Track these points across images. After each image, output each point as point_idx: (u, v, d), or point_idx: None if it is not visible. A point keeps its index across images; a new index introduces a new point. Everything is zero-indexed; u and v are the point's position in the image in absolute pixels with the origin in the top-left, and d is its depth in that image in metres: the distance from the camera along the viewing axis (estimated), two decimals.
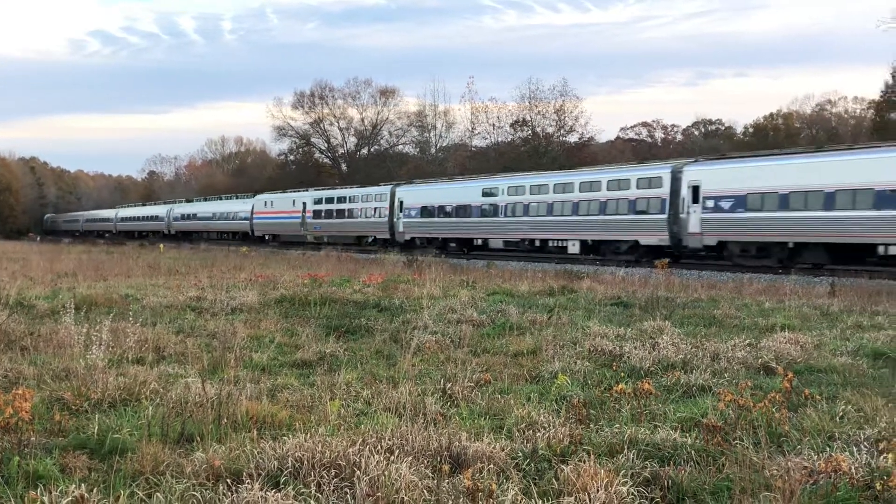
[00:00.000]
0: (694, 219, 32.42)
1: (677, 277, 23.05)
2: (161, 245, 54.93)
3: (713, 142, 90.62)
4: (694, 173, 33.27)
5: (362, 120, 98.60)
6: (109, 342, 9.50)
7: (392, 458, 5.62)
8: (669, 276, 23.06)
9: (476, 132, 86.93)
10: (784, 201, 29.39)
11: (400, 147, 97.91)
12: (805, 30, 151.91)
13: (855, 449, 5.97)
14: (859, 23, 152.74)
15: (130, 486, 5.35)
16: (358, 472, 5.38)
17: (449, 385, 8.31)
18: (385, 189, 53.78)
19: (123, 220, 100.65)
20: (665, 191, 34.02)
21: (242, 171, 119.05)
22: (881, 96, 64.42)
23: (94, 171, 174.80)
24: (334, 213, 58.04)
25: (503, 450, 6.08)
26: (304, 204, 61.35)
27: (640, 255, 34.92)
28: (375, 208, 53.81)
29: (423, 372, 9.38)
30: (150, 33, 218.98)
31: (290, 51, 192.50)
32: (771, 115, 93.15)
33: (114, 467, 5.78)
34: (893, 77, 60.25)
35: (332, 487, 5.29)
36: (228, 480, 5.37)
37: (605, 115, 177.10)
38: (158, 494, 5.21)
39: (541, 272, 25.44)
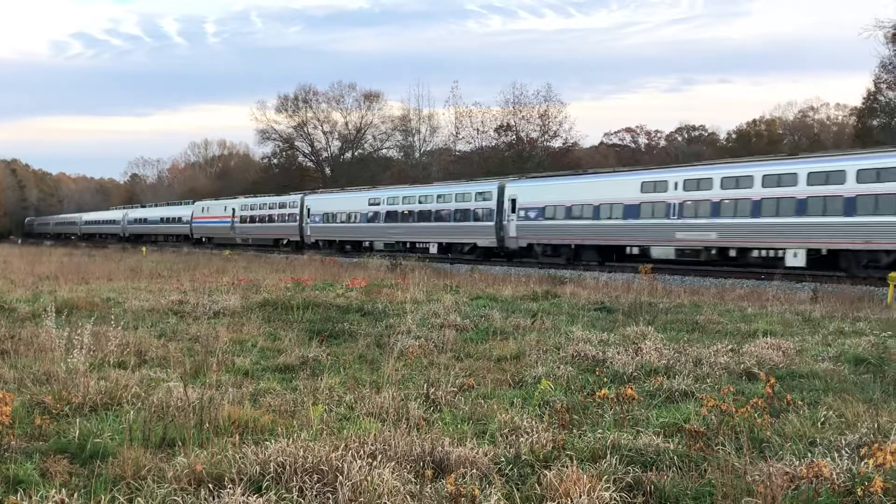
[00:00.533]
0: (512, 225, 40.26)
1: (660, 283, 23.12)
2: (143, 248, 54.97)
3: (696, 147, 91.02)
4: (513, 189, 40.69)
5: (346, 124, 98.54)
6: (91, 346, 9.44)
7: (375, 463, 5.61)
8: (653, 281, 23.13)
9: (460, 137, 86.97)
10: (569, 212, 37.32)
11: (384, 151, 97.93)
12: (786, 37, 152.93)
13: (836, 454, 6.00)
14: (839, 31, 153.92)
15: (111, 490, 5.32)
16: (340, 477, 5.36)
17: (432, 390, 8.30)
18: (296, 198, 60.36)
19: (87, 223, 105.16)
20: (493, 203, 41.44)
21: (225, 175, 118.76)
22: (863, 103, 64.85)
23: (76, 174, 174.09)
24: (257, 219, 65.10)
25: (486, 455, 6.08)
26: (234, 210, 68.10)
27: (477, 254, 42.24)
28: (289, 214, 60.29)
29: (407, 377, 9.37)
30: (132, 35, 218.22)
31: (273, 54, 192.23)
32: (754, 121, 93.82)
33: (95, 472, 5.73)
34: (876, 84, 60.61)
35: (314, 493, 5.28)
36: (210, 485, 5.35)
37: (589, 120, 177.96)
38: (140, 499, 5.18)
39: (524, 277, 25.47)
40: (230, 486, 5.23)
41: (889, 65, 58.00)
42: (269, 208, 63.54)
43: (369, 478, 5.33)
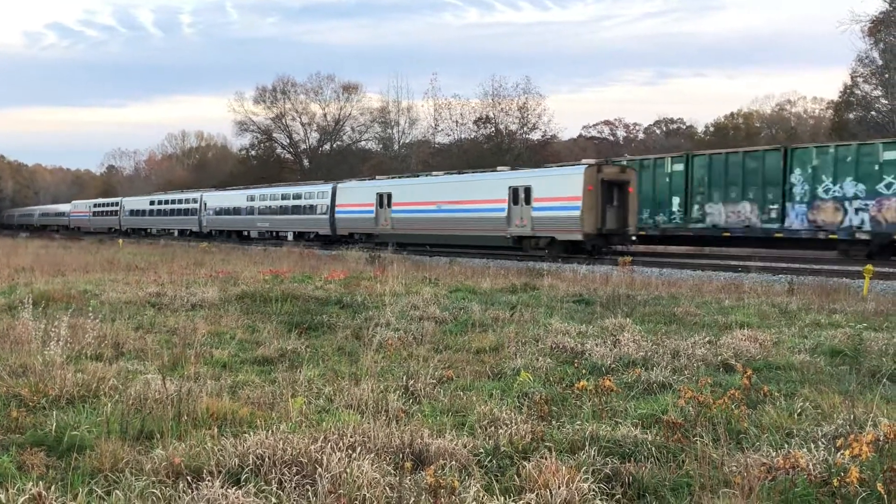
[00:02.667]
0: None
1: (638, 275, 23.21)
2: (120, 240, 54.83)
3: (675, 140, 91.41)
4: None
5: (325, 115, 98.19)
6: (67, 338, 9.40)
7: (354, 455, 5.61)
8: (631, 273, 23.22)
9: (439, 129, 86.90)
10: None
11: (363, 143, 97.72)
12: (760, 31, 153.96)
13: (812, 445, 6.05)
14: (814, 25, 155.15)
15: (89, 483, 5.29)
16: (320, 469, 5.36)
17: (411, 382, 8.30)
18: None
19: (41, 215, 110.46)
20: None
21: (203, 166, 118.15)
22: (840, 97, 65.33)
23: (52, 165, 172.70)
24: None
25: (465, 446, 6.09)
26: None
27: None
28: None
29: (386, 369, 9.36)
30: (107, 26, 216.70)
31: (250, 45, 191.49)
32: (732, 114, 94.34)
33: (72, 465, 5.70)
34: (852, 78, 61.05)
35: (293, 485, 5.27)
36: (189, 478, 5.33)
37: (567, 112, 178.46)
38: (118, 492, 5.16)
39: (503, 269, 25.50)
40: (209, 478, 5.21)
41: (865, 58, 58.49)
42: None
43: (348, 470, 5.33)
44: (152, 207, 77.15)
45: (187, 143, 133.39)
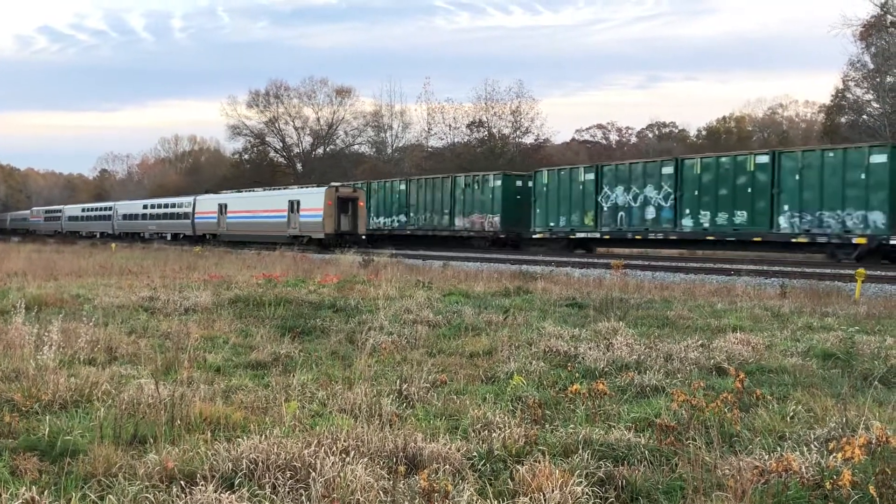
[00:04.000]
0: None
1: (631, 279, 23.25)
2: (113, 244, 54.79)
3: (667, 144, 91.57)
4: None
5: (318, 119, 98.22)
6: (60, 343, 9.37)
7: (348, 459, 5.61)
8: (624, 277, 23.25)
9: (432, 133, 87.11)
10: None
11: (356, 147, 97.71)
12: (752, 35, 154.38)
13: (805, 448, 6.06)
14: (806, 29, 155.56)
15: (82, 488, 5.29)
16: (313, 473, 5.36)
17: (405, 386, 8.30)
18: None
19: (12, 220, 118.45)
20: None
21: (196, 170, 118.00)
22: (831, 101, 65.53)
23: (44, 169, 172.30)
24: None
25: (459, 450, 6.09)
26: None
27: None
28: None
29: (379, 373, 9.36)
30: (98, 31, 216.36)
31: (241, 49, 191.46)
32: (724, 117, 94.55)
33: (65, 469, 5.70)
34: (844, 82, 61.25)
35: (287, 489, 5.27)
36: (182, 482, 5.32)
37: (559, 116, 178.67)
38: (111, 496, 5.15)
39: (496, 273, 25.51)
40: (202, 482, 5.21)
41: (857, 62, 58.70)
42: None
43: (342, 474, 5.33)
44: (83, 214, 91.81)
45: (180, 147, 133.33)
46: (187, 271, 25.29)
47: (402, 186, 58.56)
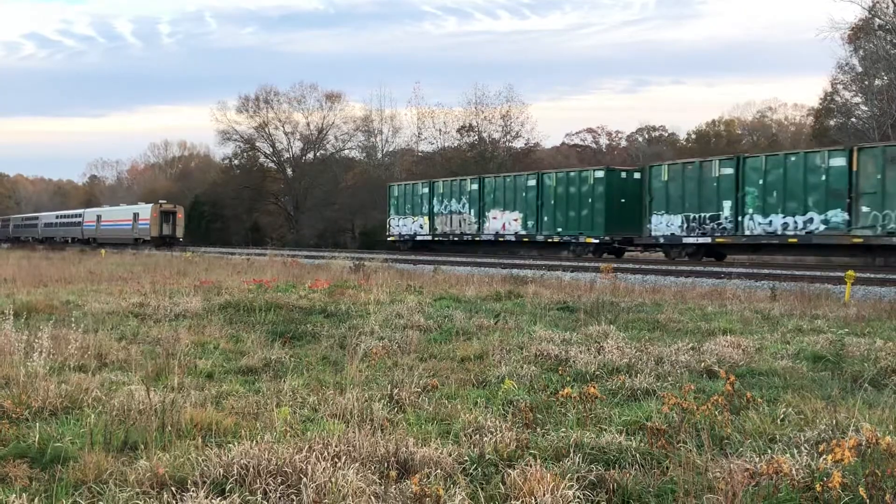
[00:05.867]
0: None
1: (622, 282, 23.29)
2: (102, 251, 54.66)
3: (657, 148, 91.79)
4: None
5: (308, 124, 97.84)
6: (50, 349, 9.34)
7: (339, 464, 5.60)
8: (615, 280, 23.29)
9: (423, 137, 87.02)
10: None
11: (346, 152, 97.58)
12: (738, 38, 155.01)
13: (796, 451, 6.08)
14: (792, 33, 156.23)
15: (72, 495, 5.27)
16: (304, 478, 5.35)
17: (396, 391, 8.29)
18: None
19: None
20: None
21: (186, 176, 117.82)
22: (820, 104, 65.77)
23: (34, 175, 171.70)
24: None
25: (450, 455, 6.09)
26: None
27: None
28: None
29: (370, 378, 9.36)
30: (86, 36, 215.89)
31: (229, 55, 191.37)
32: (713, 121, 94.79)
33: (55, 476, 5.68)
34: (832, 85, 61.49)
35: (278, 494, 5.26)
36: (173, 488, 5.31)
37: (548, 120, 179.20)
38: (101, 503, 5.14)
39: (487, 277, 25.53)
40: (193, 488, 5.20)
41: (845, 66, 58.92)
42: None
43: (333, 479, 5.32)
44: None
45: (170, 153, 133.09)
46: (178, 277, 25.24)
47: (475, 185, 51.81)
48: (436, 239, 54.20)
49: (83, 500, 5.17)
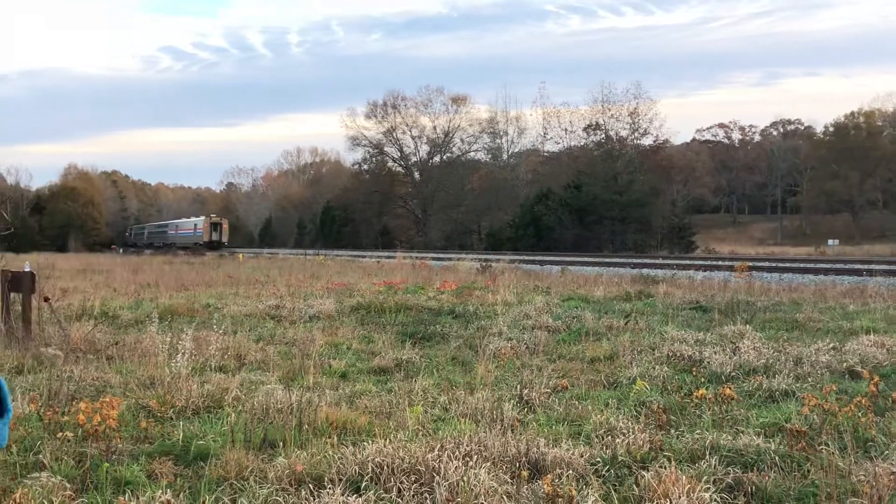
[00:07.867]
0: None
1: (757, 280, 22.65)
2: (240, 255, 56.38)
3: (793, 142, 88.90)
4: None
5: (434, 128, 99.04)
6: (192, 351, 9.69)
7: (471, 463, 5.63)
8: (749, 279, 22.68)
9: (548, 137, 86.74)
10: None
11: (472, 154, 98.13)
12: (874, 26, 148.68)
13: None
14: None
15: (215, 490, 5.46)
16: (437, 477, 5.40)
17: (525, 391, 8.29)
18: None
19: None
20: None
21: (317, 181, 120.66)
22: None
23: (174, 184, 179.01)
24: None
25: (582, 456, 6.05)
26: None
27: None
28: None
29: (500, 378, 9.38)
30: (219, 48, 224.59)
31: (356, 62, 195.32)
32: (852, 113, 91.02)
33: (199, 473, 5.90)
34: None
35: (412, 492, 5.32)
36: (311, 485, 5.44)
37: (675, 117, 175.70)
38: (242, 499, 5.30)
39: (616, 277, 25.24)
40: (330, 486, 5.31)
41: None
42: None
43: (465, 478, 5.36)
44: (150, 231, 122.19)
45: (302, 160, 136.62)
46: (311, 280, 25.85)
47: None
48: None
49: (225, 496, 5.35)
